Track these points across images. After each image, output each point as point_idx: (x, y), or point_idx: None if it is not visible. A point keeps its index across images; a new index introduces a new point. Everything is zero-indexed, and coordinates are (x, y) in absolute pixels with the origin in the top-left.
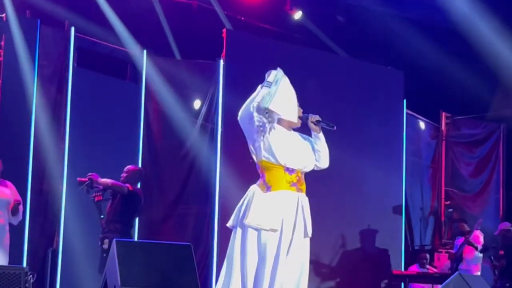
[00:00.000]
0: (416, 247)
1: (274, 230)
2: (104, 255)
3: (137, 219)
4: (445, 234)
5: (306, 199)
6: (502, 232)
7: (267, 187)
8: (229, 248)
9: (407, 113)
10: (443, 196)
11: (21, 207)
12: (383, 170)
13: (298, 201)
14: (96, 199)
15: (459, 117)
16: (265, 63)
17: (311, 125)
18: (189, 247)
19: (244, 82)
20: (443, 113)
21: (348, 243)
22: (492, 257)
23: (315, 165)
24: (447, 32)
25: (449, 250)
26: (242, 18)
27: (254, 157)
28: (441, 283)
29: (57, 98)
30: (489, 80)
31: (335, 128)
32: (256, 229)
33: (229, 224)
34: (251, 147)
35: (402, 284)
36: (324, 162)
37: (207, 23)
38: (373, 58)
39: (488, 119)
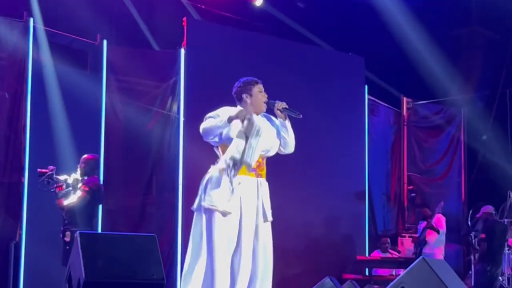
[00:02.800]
0: (380, 233)
1: (228, 213)
2: (67, 247)
3: (100, 210)
4: (408, 218)
5: (266, 184)
6: (484, 216)
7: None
8: (192, 230)
9: (368, 99)
10: (405, 181)
11: None
12: (345, 156)
13: (257, 186)
14: (57, 189)
15: (420, 102)
16: (226, 51)
17: (277, 112)
18: (154, 237)
19: (206, 71)
20: (404, 98)
21: (312, 229)
22: (473, 241)
23: (280, 149)
24: (407, 17)
25: (413, 235)
26: (203, 7)
27: (214, 139)
28: (405, 268)
29: (17, 89)
30: (449, 65)
31: (301, 116)
32: (212, 211)
33: (193, 207)
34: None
35: (367, 269)
36: (289, 148)
37: (168, 11)
38: (334, 44)
39: (449, 104)
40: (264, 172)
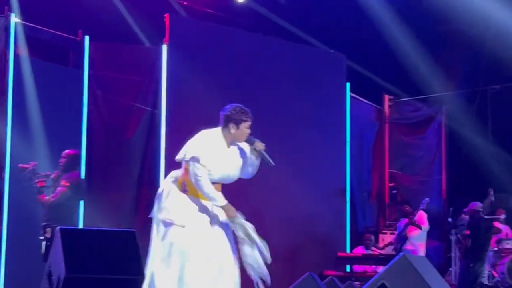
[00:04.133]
0: (361, 229)
1: (183, 226)
2: (48, 243)
3: (81, 206)
4: (389, 215)
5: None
6: (471, 212)
7: (184, 189)
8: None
9: (350, 96)
10: (386, 178)
11: None
12: (327, 153)
13: (212, 210)
14: (38, 184)
15: (401, 99)
16: (208, 47)
17: (253, 151)
18: (133, 233)
19: (188, 67)
20: (386, 96)
21: (293, 226)
22: (458, 236)
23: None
24: (390, 14)
25: (394, 232)
26: (185, 3)
27: (182, 155)
28: (385, 265)
29: None
30: (430, 62)
31: (273, 164)
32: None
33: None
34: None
35: (348, 266)
36: (249, 177)
37: (151, 7)
38: (317, 40)
39: (430, 101)
40: None
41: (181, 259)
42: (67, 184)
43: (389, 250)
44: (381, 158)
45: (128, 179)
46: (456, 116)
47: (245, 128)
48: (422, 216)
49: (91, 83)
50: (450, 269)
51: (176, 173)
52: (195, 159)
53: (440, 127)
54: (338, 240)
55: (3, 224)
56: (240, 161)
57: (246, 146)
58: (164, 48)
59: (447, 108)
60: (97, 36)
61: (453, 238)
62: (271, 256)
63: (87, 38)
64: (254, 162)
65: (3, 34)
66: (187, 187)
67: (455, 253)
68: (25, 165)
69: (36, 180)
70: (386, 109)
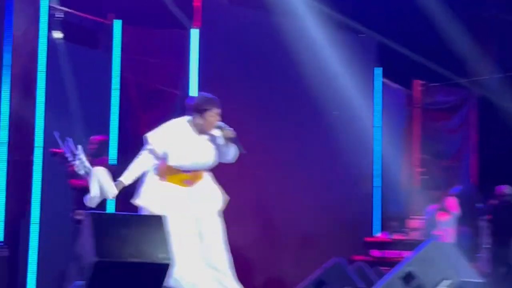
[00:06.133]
0: (389, 215)
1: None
2: (78, 226)
3: None
4: (418, 201)
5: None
6: (498, 196)
7: (162, 176)
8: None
9: (380, 81)
10: (416, 163)
11: None
12: (355, 137)
13: (188, 195)
14: (70, 169)
15: (432, 84)
16: (239, 31)
17: (223, 138)
18: (161, 217)
19: (219, 51)
20: (417, 80)
21: (321, 211)
22: (483, 222)
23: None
24: None
25: (422, 217)
26: None
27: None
28: (413, 250)
29: (30, 68)
30: (463, 47)
31: (244, 152)
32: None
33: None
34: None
35: (375, 251)
36: (230, 161)
37: None
38: (347, 25)
39: (462, 86)
40: (200, 175)
41: None
42: None
43: (416, 236)
44: (411, 143)
45: None
46: (488, 102)
47: (210, 117)
48: (452, 201)
49: (120, 66)
50: (479, 255)
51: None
52: (146, 142)
53: (472, 112)
54: (365, 225)
55: (35, 207)
56: (211, 148)
57: (219, 133)
58: (195, 32)
59: (480, 94)
60: (128, 20)
61: (482, 224)
62: (300, 241)
63: (117, 21)
64: (227, 149)
65: (35, 16)
66: (165, 174)
67: (484, 239)
68: (57, 150)
69: (68, 164)
70: (417, 93)
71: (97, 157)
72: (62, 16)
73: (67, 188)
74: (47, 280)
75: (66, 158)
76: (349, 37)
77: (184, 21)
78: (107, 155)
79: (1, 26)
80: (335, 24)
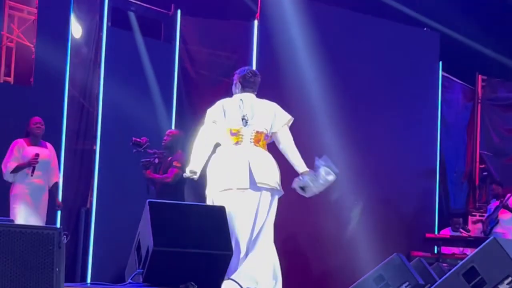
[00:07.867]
0: (450, 211)
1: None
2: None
3: None
4: (479, 197)
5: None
6: None
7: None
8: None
9: (442, 75)
10: (477, 159)
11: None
12: (418, 132)
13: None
14: (147, 162)
15: (495, 80)
16: (299, 23)
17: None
18: (223, 208)
19: (279, 43)
20: (479, 76)
21: (382, 206)
22: None
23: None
24: None
25: (484, 214)
26: None
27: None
28: (474, 247)
29: (91, 58)
30: None
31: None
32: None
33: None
34: None
35: (435, 247)
36: None
37: None
38: (409, 18)
39: None
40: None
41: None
42: (179, 165)
43: (477, 233)
44: (472, 139)
45: None
46: None
47: None
48: None
49: (181, 57)
50: None
51: None
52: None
53: None
54: (426, 221)
55: (93, 195)
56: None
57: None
58: (256, 23)
59: None
60: (190, 11)
61: None
62: (360, 235)
63: (179, 12)
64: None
65: (98, 7)
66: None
67: None
68: (139, 140)
69: (146, 159)
70: (479, 89)
71: (171, 150)
72: (134, 9)
73: (125, 175)
74: (105, 267)
75: (146, 148)
76: (411, 30)
77: (248, 13)
78: (182, 149)
79: (65, 17)
80: (398, 18)
